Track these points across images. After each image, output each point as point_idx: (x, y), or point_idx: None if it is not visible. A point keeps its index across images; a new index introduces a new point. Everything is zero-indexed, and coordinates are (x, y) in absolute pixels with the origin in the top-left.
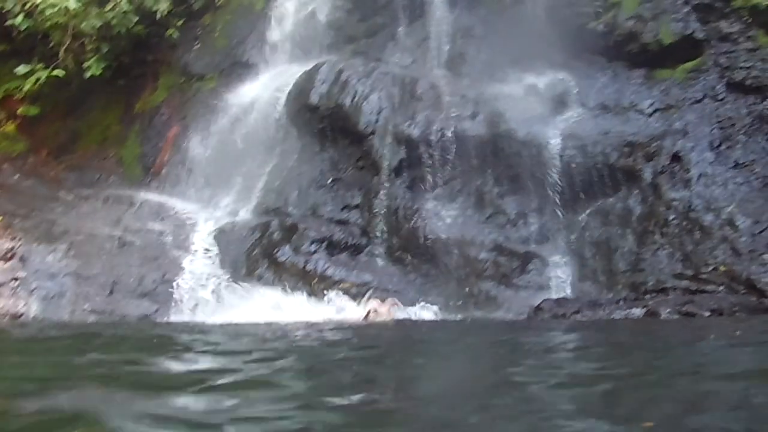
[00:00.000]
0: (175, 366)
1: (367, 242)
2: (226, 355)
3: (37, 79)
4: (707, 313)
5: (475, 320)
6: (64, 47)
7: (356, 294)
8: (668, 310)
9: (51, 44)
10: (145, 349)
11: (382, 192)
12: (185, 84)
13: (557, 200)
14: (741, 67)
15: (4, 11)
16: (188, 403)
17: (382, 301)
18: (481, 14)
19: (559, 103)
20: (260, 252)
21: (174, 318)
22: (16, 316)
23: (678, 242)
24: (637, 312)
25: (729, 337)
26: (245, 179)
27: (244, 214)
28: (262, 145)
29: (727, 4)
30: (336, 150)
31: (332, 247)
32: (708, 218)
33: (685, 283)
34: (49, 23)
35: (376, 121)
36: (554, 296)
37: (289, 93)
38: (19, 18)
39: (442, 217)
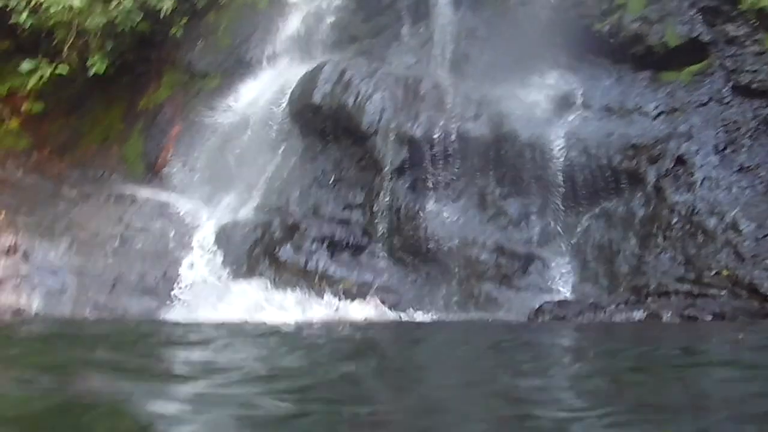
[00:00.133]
0: (178, 360)
1: (368, 242)
2: (223, 352)
3: (41, 76)
4: (709, 317)
5: (476, 321)
6: (68, 45)
7: (357, 294)
8: (669, 313)
9: (55, 41)
10: (148, 344)
11: (383, 192)
12: (188, 82)
13: (560, 202)
14: (747, 71)
15: (8, 8)
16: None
17: (383, 301)
18: (485, 15)
19: (563, 104)
20: (261, 250)
21: (174, 315)
22: (18, 312)
23: (681, 246)
24: (638, 315)
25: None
26: (247, 178)
27: (246, 213)
28: (264, 144)
29: (734, 7)
30: (338, 149)
31: (333, 247)
32: (711, 222)
33: (687, 286)
34: (53, 20)
35: (379, 121)
36: (555, 298)
37: (291, 92)
38: (24, 15)
39: (443, 217)
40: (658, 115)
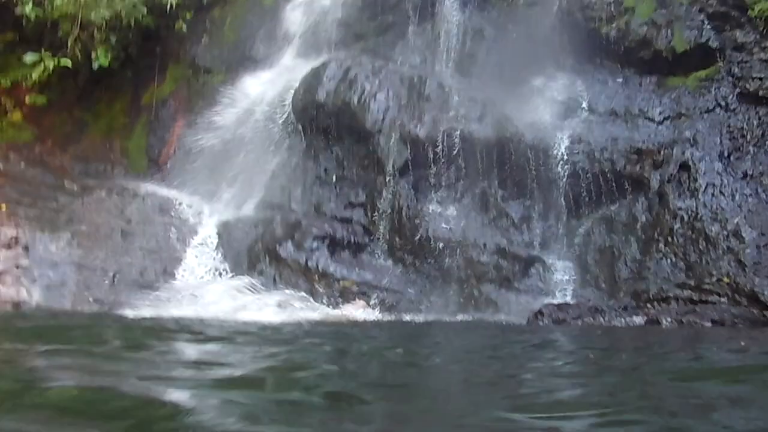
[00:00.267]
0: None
1: (369, 241)
2: (224, 349)
3: (45, 68)
4: (708, 324)
5: (475, 322)
6: (73, 37)
7: (357, 292)
8: (669, 318)
9: (59, 34)
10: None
11: (386, 191)
12: (193, 77)
13: (562, 205)
14: (754, 78)
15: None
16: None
17: (382, 301)
18: (492, 16)
19: (568, 107)
20: (262, 247)
21: (174, 311)
22: (18, 304)
23: (682, 252)
24: (638, 320)
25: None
26: (250, 174)
27: (248, 209)
28: (267, 141)
29: (743, 13)
30: (341, 148)
31: (334, 245)
32: (714, 229)
33: (687, 292)
34: (58, 12)
35: (383, 120)
36: (555, 301)
37: (296, 89)
38: (29, 7)
39: (445, 218)
40: (664, 120)
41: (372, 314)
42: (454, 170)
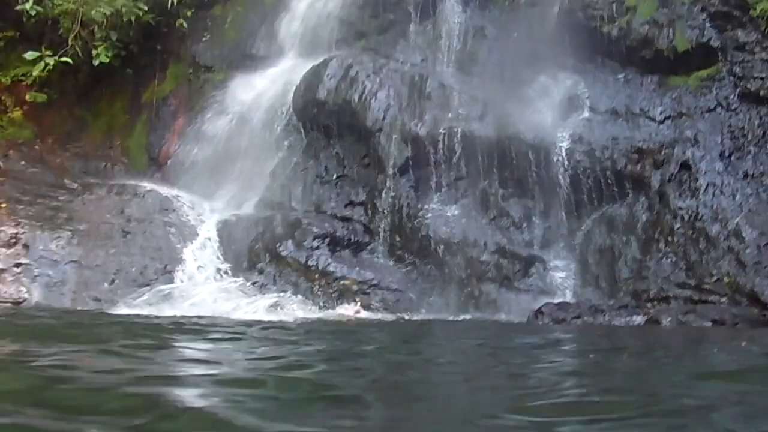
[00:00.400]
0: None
1: (369, 240)
2: (223, 348)
3: (46, 66)
4: (708, 324)
5: (475, 321)
6: (74, 34)
7: (357, 291)
8: (669, 318)
9: (60, 31)
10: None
11: (386, 190)
12: (193, 75)
13: (563, 205)
14: (756, 78)
15: None
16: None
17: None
18: (493, 15)
19: (569, 106)
20: (262, 246)
21: (173, 310)
22: (17, 302)
23: (683, 251)
24: (638, 319)
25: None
26: (250, 173)
27: (248, 208)
28: (268, 139)
29: (744, 13)
30: (342, 146)
31: (335, 244)
32: (714, 228)
33: (687, 292)
34: (58, 10)
35: (384, 118)
36: (555, 300)
37: (296, 87)
38: (29, 4)
39: (446, 217)
40: (665, 119)
41: (372, 313)
42: (455, 169)
